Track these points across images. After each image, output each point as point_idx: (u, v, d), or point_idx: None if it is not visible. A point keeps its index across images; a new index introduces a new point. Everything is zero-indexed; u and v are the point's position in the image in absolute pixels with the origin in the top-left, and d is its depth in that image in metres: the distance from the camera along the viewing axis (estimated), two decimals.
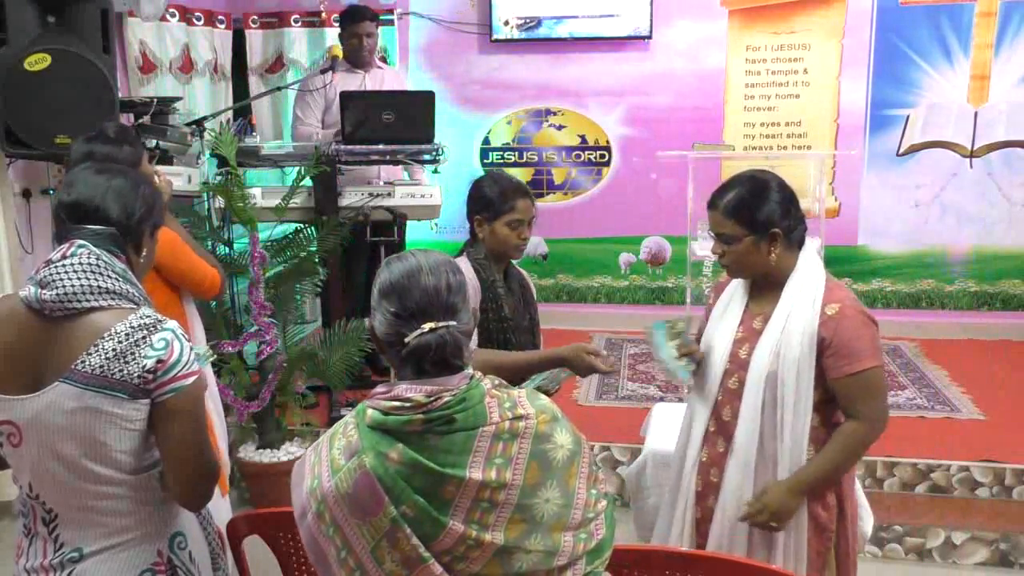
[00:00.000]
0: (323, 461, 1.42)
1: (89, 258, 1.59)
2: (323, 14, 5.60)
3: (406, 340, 1.40)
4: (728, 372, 2.17)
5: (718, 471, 2.19)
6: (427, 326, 1.40)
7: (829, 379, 2.06)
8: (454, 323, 1.42)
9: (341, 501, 1.38)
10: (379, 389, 1.43)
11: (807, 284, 2.10)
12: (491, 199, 2.50)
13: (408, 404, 1.38)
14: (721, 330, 2.21)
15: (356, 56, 4.68)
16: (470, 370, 1.45)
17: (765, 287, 2.17)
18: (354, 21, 4.66)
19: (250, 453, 3.70)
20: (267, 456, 3.68)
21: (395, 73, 5.14)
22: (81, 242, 1.61)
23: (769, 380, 2.08)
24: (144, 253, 1.75)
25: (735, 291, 2.25)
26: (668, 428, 3.27)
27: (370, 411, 1.41)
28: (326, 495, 1.39)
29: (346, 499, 1.37)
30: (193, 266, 2.67)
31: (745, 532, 2.13)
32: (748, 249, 2.10)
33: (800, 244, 2.14)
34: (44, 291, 1.56)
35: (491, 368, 2.47)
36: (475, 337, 2.34)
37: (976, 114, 5.30)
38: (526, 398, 1.45)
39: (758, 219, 2.08)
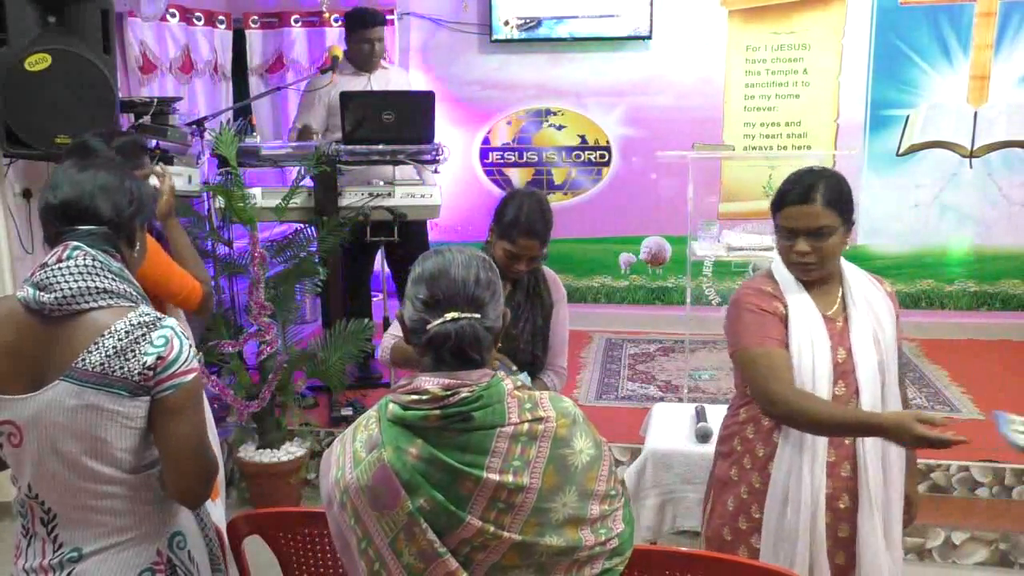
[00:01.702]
0: (347, 453, 1.44)
1: (85, 259, 1.59)
2: (324, 14, 5.59)
3: (428, 327, 1.42)
4: (832, 381, 2.07)
5: (831, 481, 2.07)
6: (449, 315, 1.41)
7: None
8: (477, 316, 1.43)
9: (361, 493, 1.40)
10: (401, 382, 1.45)
11: (859, 270, 2.17)
12: (502, 219, 2.46)
13: (425, 397, 1.39)
14: (818, 344, 2.08)
15: (366, 61, 4.60)
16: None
17: (815, 286, 2.12)
18: (366, 26, 4.55)
19: (250, 453, 3.70)
20: (267, 456, 3.68)
21: (400, 72, 5.00)
22: (76, 244, 1.60)
23: (879, 370, 2.08)
24: (137, 247, 1.75)
25: (799, 299, 2.11)
26: (668, 428, 3.28)
27: (391, 405, 1.42)
28: (348, 486, 1.41)
29: (366, 492, 1.39)
30: (169, 275, 2.56)
31: (892, 526, 2.11)
32: (840, 241, 2.07)
33: None
34: (42, 294, 1.55)
35: (400, 353, 2.53)
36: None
37: (976, 114, 5.30)
38: (548, 400, 1.45)
39: (849, 208, 2.06)
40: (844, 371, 2.07)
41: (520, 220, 2.43)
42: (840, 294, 2.14)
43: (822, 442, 2.05)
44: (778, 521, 2.08)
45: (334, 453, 1.48)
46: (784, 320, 2.08)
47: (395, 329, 2.73)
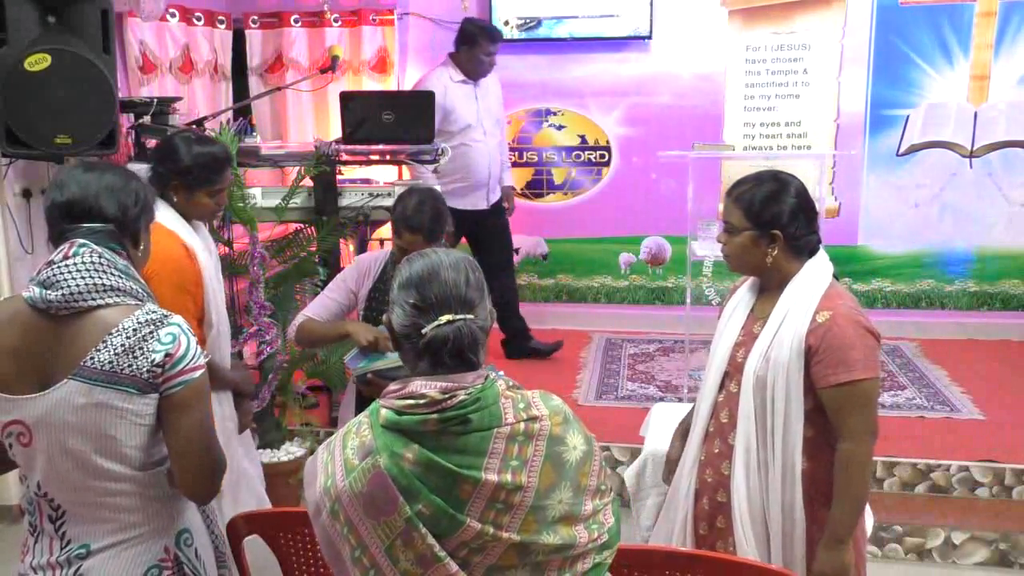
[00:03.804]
0: (336, 460, 1.42)
1: (91, 257, 1.60)
2: (325, 14, 5.58)
3: (423, 331, 1.41)
4: (728, 375, 2.18)
5: (712, 471, 2.19)
6: (444, 318, 1.41)
7: (817, 388, 2.02)
8: (471, 316, 1.43)
9: (355, 501, 1.38)
10: (392, 387, 1.43)
11: (805, 290, 2.07)
12: (392, 215, 2.67)
13: (422, 401, 1.38)
14: (726, 332, 2.20)
15: (481, 72, 4.82)
16: (485, 370, 1.46)
17: (771, 292, 2.15)
18: (493, 42, 4.79)
19: None
20: (267, 456, 3.68)
21: (495, 80, 5.06)
22: (82, 241, 1.61)
23: (758, 385, 2.07)
24: (142, 247, 1.76)
25: (744, 294, 2.23)
26: (668, 428, 3.26)
27: (384, 411, 1.41)
28: (340, 494, 1.40)
29: (360, 499, 1.38)
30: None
31: (756, 538, 2.11)
32: (745, 243, 2.10)
33: (811, 253, 2.12)
34: (49, 292, 1.56)
35: (306, 333, 2.75)
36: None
37: (976, 114, 5.30)
38: (540, 399, 1.46)
39: (763, 216, 2.07)
40: (739, 371, 2.13)
41: (405, 215, 2.60)
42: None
43: (704, 415, 2.23)
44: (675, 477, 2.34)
45: (320, 461, 1.46)
46: (720, 314, 2.30)
47: (308, 309, 2.79)
